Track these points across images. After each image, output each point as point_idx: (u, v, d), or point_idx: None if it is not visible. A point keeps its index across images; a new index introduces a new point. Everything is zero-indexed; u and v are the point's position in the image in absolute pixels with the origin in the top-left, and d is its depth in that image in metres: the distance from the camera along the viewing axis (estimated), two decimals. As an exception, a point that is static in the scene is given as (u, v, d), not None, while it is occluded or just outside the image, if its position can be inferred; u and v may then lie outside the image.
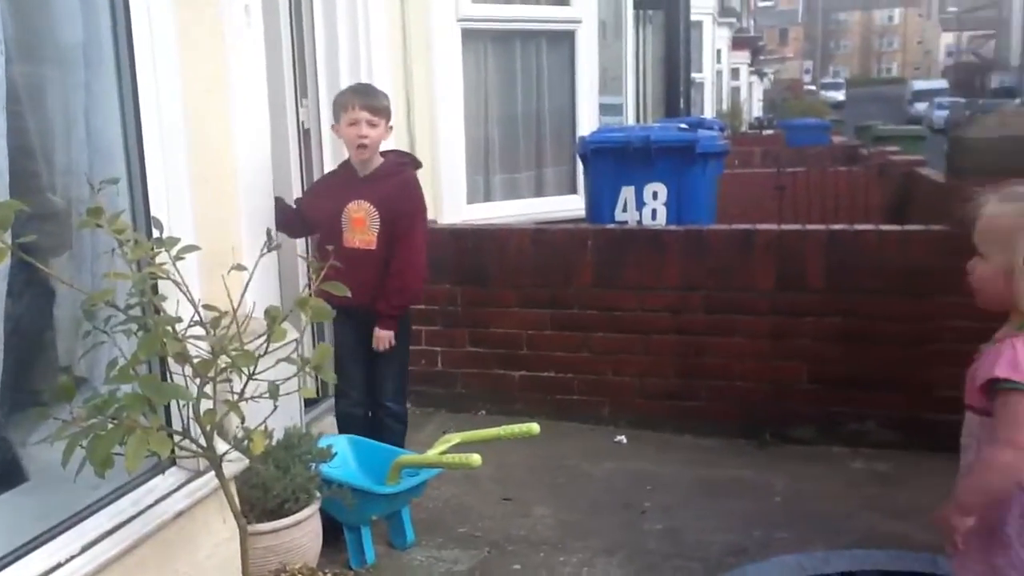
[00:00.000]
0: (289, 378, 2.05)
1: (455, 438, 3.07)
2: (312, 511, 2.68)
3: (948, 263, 3.73)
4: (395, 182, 3.31)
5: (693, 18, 11.80)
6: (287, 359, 2.09)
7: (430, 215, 3.91)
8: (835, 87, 58.84)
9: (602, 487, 3.66)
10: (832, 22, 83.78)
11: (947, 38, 74.08)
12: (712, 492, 3.58)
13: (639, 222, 4.49)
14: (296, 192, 3.85)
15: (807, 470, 3.76)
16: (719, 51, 20.88)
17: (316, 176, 4.02)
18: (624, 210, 4.52)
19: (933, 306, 3.78)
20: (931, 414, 3.82)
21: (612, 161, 4.57)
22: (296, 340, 2.66)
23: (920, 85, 50.55)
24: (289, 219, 3.38)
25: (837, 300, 3.93)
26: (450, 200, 5.00)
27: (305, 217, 3.42)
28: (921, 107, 40.90)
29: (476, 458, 2.69)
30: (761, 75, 36.64)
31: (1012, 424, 1.75)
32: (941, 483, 3.43)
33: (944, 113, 32.50)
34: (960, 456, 1.94)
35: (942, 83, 52.48)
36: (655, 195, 4.44)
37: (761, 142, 12.41)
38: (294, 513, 2.63)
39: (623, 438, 4.17)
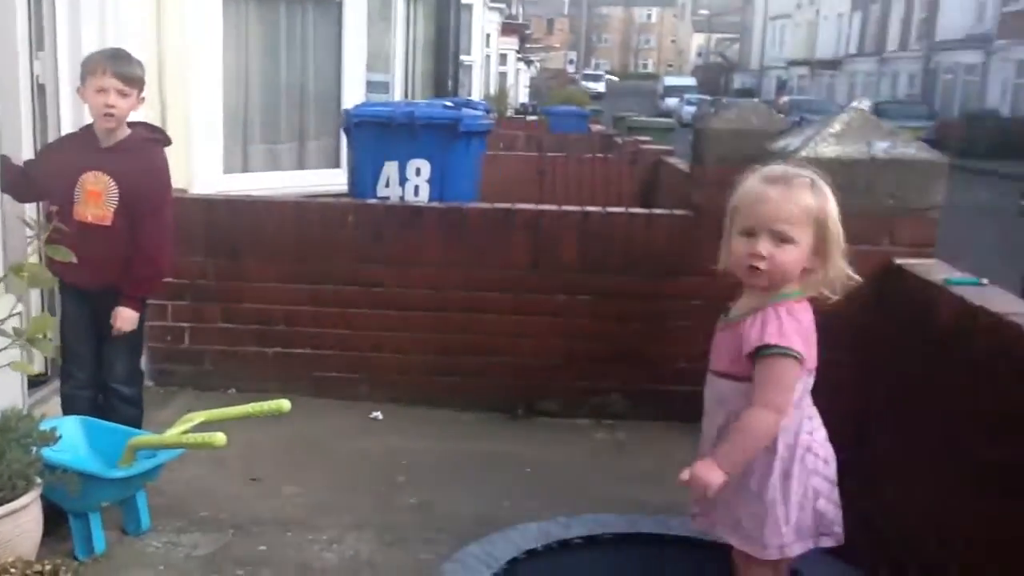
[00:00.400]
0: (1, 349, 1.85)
1: (198, 417, 2.91)
2: (30, 499, 2.44)
3: (687, 246, 4.03)
4: (140, 159, 3.08)
5: (464, 1, 11.88)
6: (-1, 331, 1.88)
7: (181, 184, 3.68)
8: (596, 79, 61.49)
9: (356, 464, 3.61)
10: (596, 16, 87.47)
11: (698, 39, 79.52)
12: (465, 466, 3.63)
13: (402, 198, 4.46)
14: (27, 152, 3.49)
15: (555, 442, 3.91)
16: (488, 36, 21.21)
17: (52, 137, 3.67)
18: (387, 185, 4.47)
19: (673, 285, 4.02)
20: (667, 386, 4.09)
21: (376, 135, 4.51)
22: (18, 313, 2.41)
23: (671, 81, 53.85)
24: (15, 180, 3.06)
25: (588, 279, 4.10)
26: (204, 169, 4.73)
27: (34, 181, 3.11)
28: (672, 102, 43.60)
29: (220, 437, 2.56)
30: (528, 62, 37.64)
31: (775, 387, 1.87)
32: (674, 450, 3.71)
33: (692, 109, 34.82)
34: (704, 421, 2.04)
35: (691, 80, 56.22)
36: (418, 171, 4.43)
37: (525, 127, 12.75)
38: (9, 502, 2.39)
39: (379, 414, 4.14)
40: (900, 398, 2.46)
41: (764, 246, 1.88)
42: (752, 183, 1.95)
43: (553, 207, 4.29)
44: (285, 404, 2.75)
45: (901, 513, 2.43)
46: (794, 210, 1.89)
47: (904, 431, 2.43)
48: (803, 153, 2.58)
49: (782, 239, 1.88)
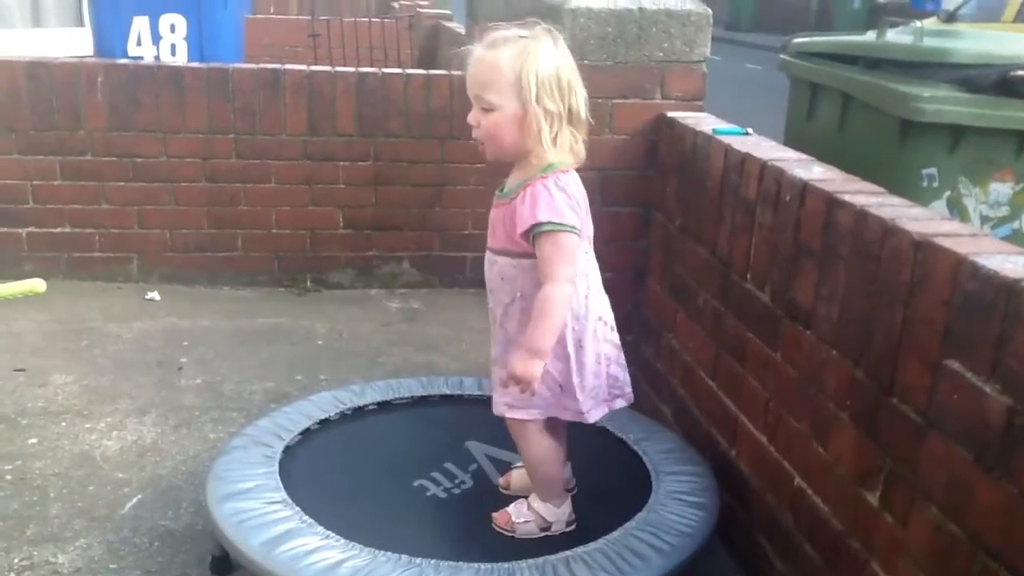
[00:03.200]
0: None
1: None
2: None
3: (463, 107, 3.97)
4: None
5: None
6: None
7: None
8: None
9: (132, 348, 3.41)
10: None
11: None
12: (252, 342, 3.52)
13: (157, 58, 4.09)
14: None
15: (347, 313, 3.86)
16: None
17: None
18: (139, 44, 4.08)
19: (455, 149, 3.99)
20: (457, 252, 4.12)
21: (121, -13, 4.08)
22: None
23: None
24: None
25: (368, 144, 3.99)
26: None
27: None
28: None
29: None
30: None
31: (561, 261, 1.81)
32: (467, 315, 3.79)
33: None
34: (489, 299, 1.99)
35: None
36: (173, 28, 4.07)
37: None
38: None
39: (156, 295, 3.92)
40: (673, 247, 2.59)
41: (473, 114, 1.84)
42: (474, 47, 1.85)
43: (326, 68, 4.08)
44: (40, 284, 2.50)
45: (677, 357, 2.59)
46: (491, 75, 1.79)
47: (674, 277, 2.58)
48: (573, 4, 2.57)
49: (483, 106, 1.82)
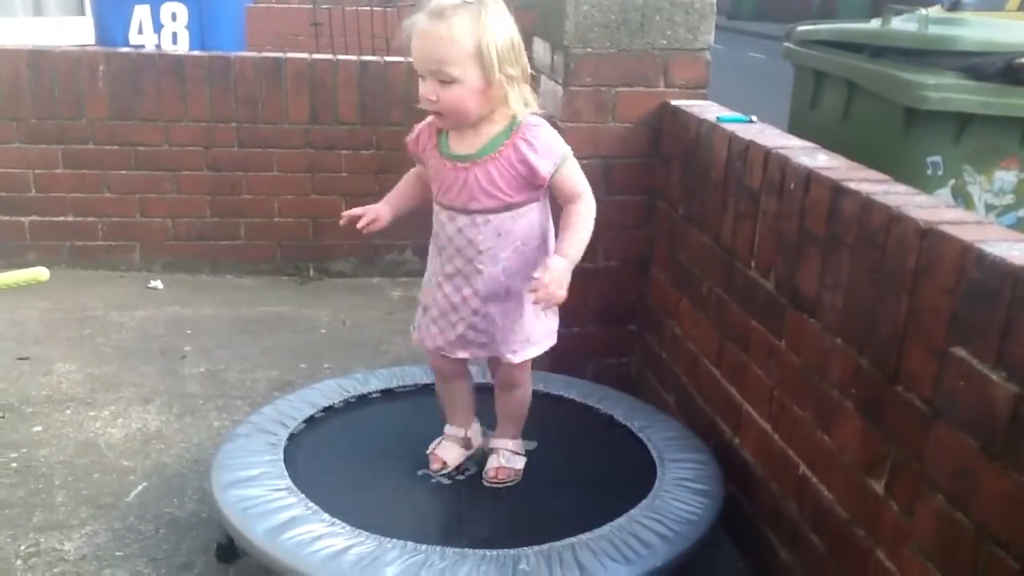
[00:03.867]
0: None
1: (-55, 295, 2.62)
2: None
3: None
4: None
5: None
6: None
7: None
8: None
9: (135, 336, 3.41)
10: None
11: None
12: (255, 331, 3.52)
13: (158, 46, 4.08)
14: None
15: (350, 301, 3.86)
16: None
17: None
18: (140, 33, 4.07)
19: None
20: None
21: (123, -24, 4.07)
22: None
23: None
24: None
25: (369, 133, 3.98)
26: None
27: None
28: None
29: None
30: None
31: (581, 179, 1.94)
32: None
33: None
34: (468, 263, 1.96)
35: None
36: (174, 16, 4.06)
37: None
38: None
39: (158, 283, 3.92)
40: (677, 235, 2.59)
41: (431, 88, 1.81)
42: (416, 18, 1.81)
43: (328, 56, 4.07)
44: (43, 273, 2.50)
45: (681, 346, 2.59)
46: (448, 48, 1.77)
47: (678, 265, 2.57)
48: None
49: (443, 80, 1.80)
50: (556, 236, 1.97)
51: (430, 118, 1.96)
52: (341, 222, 2.09)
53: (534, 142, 1.88)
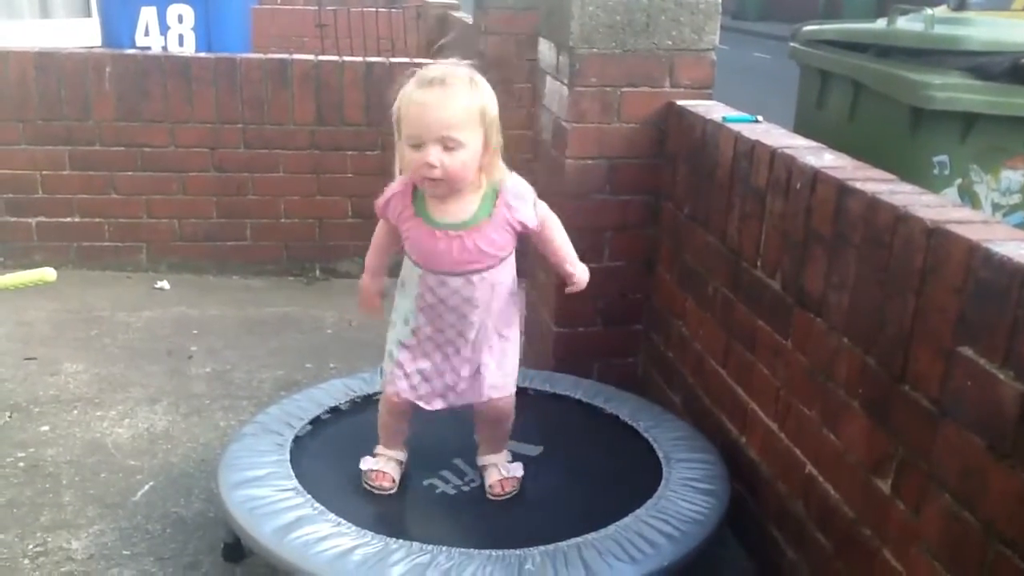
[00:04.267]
0: None
1: (-47, 296, 2.63)
2: None
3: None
4: None
5: None
6: None
7: None
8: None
9: (142, 336, 3.42)
10: None
11: None
12: (261, 331, 3.53)
13: (164, 48, 4.10)
14: None
15: (355, 302, 3.81)
16: None
17: None
18: (146, 34, 4.08)
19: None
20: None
21: (129, -22, 4.08)
22: None
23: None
24: None
25: (375, 134, 3.98)
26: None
27: None
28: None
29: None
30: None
31: (544, 205, 2.03)
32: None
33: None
34: (451, 323, 2.00)
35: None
36: (180, 18, 4.07)
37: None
38: None
39: (165, 284, 3.93)
40: (683, 235, 2.59)
41: (434, 155, 1.81)
42: (409, 90, 1.84)
43: (334, 58, 4.08)
44: (50, 273, 2.51)
45: (687, 346, 2.59)
46: (457, 113, 1.81)
47: (684, 266, 2.57)
48: (585, -7, 2.56)
49: (449, 146, 1.82)
50: (547, 254, 2.10)
51: (397, 185, 1.96)
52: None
53: (521, 196, 1.96)
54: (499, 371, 2.07)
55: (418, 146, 1.82)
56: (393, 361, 2.08)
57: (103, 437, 2.70)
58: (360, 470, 2.14)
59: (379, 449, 2.20)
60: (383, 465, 2.15)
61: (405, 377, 2.07)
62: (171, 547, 2.20)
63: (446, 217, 1.92)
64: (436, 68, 1.87)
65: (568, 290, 2.09)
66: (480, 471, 2.19)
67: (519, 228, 1.97)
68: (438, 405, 2.09)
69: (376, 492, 2.10)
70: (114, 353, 3.27)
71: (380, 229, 2.12)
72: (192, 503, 2.38)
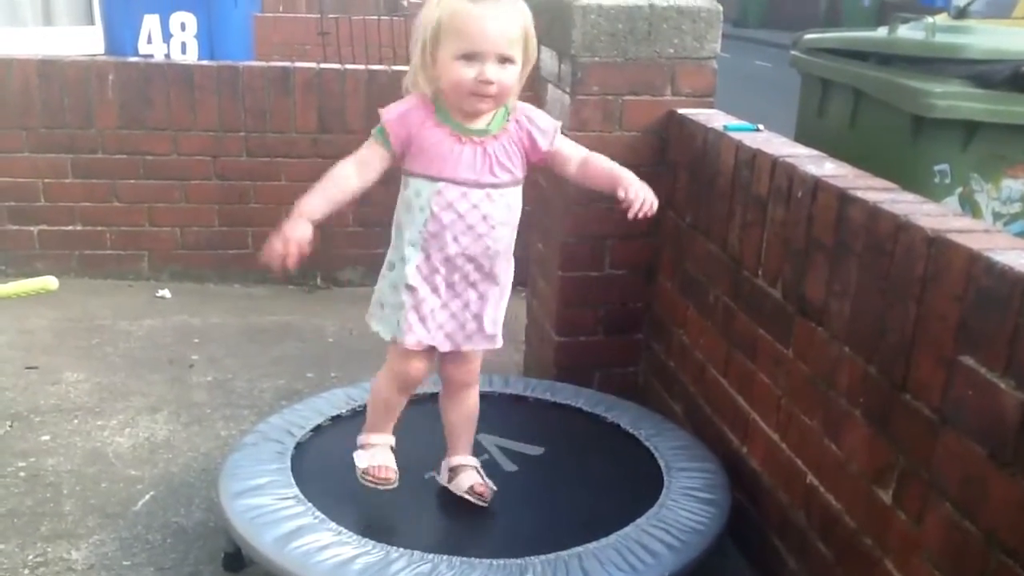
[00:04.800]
0: None
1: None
2: None
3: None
4: None
5: None
6: None
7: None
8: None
9: (143, 345, 3.42)
10: None
11: None
12: (263, 340, 3.53)
13: (167, 56, 4.11)
14: None
15: (357, 311, 3.83)
16: None
17: None
18: (149, 42, 4.10)
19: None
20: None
21: (132, -14, 4.09)
22: None
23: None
24: None
25: (378, 141, 3.98)
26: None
27: None
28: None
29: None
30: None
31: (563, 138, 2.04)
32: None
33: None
34: (475, 241, 1.94)
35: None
36: (183, 26, 4.08)
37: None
38: None
39: (166, 292, 3.93)
40: (684, 243, 2.59)
41: (492, 71, 1.82)
42: (457, 4, 1.82)
43: (336, 66, 4.09)
44: (52, 282, 2.52)
45: (688, 354, 2.59)
46: (514, 29, 1.84)
47: (685, 274, 2.57)
48: (584, 1, 2.56)
49: (505, 60, 1.83)
50: (594, 182, 2.06)
51: (411, 100, 1.93)
52: (268, 260, 1.98)
53: (535, 119, 1.98)
54: (495, 317, 2.02)
55: (472, 60, 1.81)
56: (405, 307, 1.97)
57: (104, 446, 2.69)
58: (357, 468, 2.07)
59: (369, 438, 2.12)
60: (381, 458, 2.09)
61: (421, 322, 1.96)
62: (172, 557, 2.20)
63: (466, 123, 1.91)
64: None
65: (631, 212, 1.96)
66: (449, 475, 2.15)
67: (528, 145, 1.96)
68: (447, 346, 2.01)
69: (381, 488, 2.05)
70: (115, 362, 3.27)
71: (365, 156, 2.01)
72: (193, 513, 2.38)
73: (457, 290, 1.97)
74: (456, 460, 2.16)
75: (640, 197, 1.95)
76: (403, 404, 2.13)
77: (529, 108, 2.01)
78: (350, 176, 2.02)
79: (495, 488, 2.11)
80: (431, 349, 2.01)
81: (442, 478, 2.17)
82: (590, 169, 2.04)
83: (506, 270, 2.02)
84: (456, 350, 2.03)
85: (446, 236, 1.92)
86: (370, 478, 2.06)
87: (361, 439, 2.13)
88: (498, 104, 1.91)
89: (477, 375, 2.13)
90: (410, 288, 1.96)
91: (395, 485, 2.07)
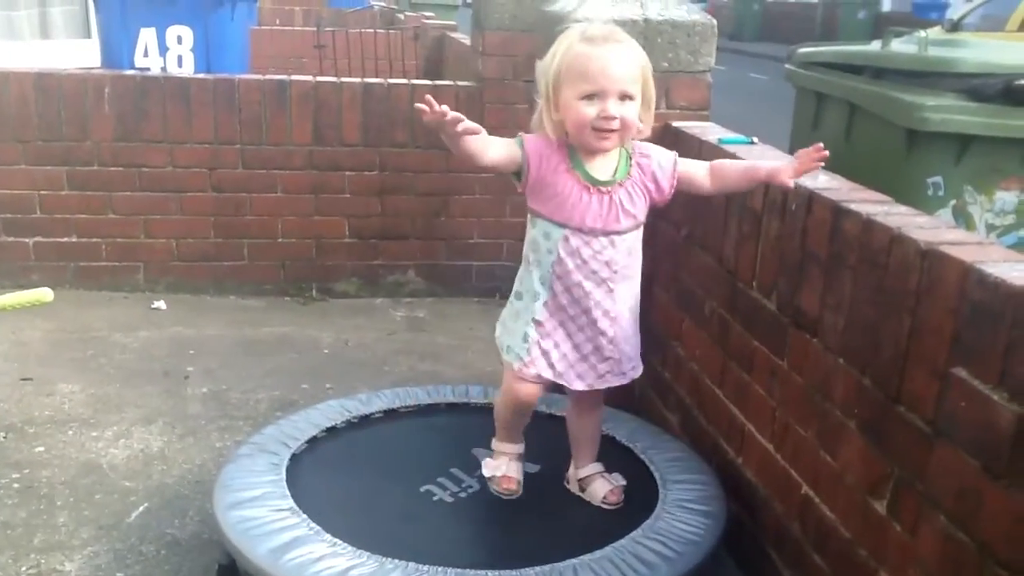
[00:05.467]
0: None
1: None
2: None
3: (473, 117, 3.98)
4: None
5: None
6: None
7: None
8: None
9: (138, 357, 3.42)
10: None
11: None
12: (258, 351, 3.52)
13: (164, 69, 4.12)
14: None
15: (352, 322, 3.86)
16: None
17: None
18: (146, 55, 4.11)
19: (456, 158, 3.97)
20: (463, 261, 4.14)
21: (129, -1, 4.10)
22: None
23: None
24: None
25: (373, 154, 4.00)
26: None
27: None
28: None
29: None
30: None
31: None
32: (473, 324, 3.79)
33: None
34: (560, 282, 2.02)
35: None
36: (180, 39, 4.09)
37: (303, 2, 12.06)
38: None
39: (162, 304, 3.93)
40: (680, 255, 2.59)
41: (614, 107, 1.91)
42: (578, 47, 1.92)
43: (332, 79, 4.10)
44: (47, 294, 2.52)
45: (683, 366, 2.59)
46: (633, 68, 1.93)
47: (681, 286, 2.58)
48: (580, 14, 2.58)
49: (625, 96, 1.92)
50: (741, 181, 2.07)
51: (551, 139, 1.98)
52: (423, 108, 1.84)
53: (654, 156, 2.06)
54: (632, 350, 2.12)
55: (593, 99, 1.90)
56: (530, 341, 2.06)
57: (98, 458, 2.69)
58: (487, 476, 2.19)
59: (498, 446, 2.23)
60: (506, 468, 2.20)
61: (543, 355, 2.06)
62: (165, 569, 2.19)
63: (596, 172, 1.99)
64: (597, 26, 1.99)
65: (784, 180, 1.95)
66: (580, 485, 2.23)
67: (653, 189, 2.03)
68: (578, 386, 2.10)
69: (504, 497, 2.16)
70: (110, 373, 3.26)
71: (502, 140, 2.00)
72: (187, 525, 2.37)
73: (585, 331, 2.06)
74: (584, 472, 2.24)
75: (801, 169, 1.94)
76: (525, 419, 2.22)
77: (646, 146, 2.07)
78: (492, 142, 1.99)
79: (625, 482, 2.20)
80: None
81: (572, 487, 2.26)
82: (726, 179, 2.08)
83: (632, 308, 2.10)
84: (592, 384, 2.11)
85: (571, 281, 2.02)
86: (496, 487, 2.18)
87: (493, 445, 2.24)
88: (622, 140, 1.99)
89: (601, 398, 2.23)
90: (537, 323, 2.05)
91: (518, 494, 2.18)
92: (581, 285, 2.01)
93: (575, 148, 1.99)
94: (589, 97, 1.91)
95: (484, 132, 1.95)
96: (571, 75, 1.91)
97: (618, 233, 2.01)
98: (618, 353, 2.08)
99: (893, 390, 1.59)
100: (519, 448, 2.24)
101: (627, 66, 1.92)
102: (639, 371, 2.16)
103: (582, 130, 1.93)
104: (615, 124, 1.92)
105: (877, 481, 1.64)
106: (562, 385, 2.11)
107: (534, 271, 2.05)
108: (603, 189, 1.98)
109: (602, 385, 2.11)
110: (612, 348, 2.07)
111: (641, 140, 2.06)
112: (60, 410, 2.97)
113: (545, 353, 2.06)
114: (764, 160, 2.08)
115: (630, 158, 2.03)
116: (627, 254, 2.04)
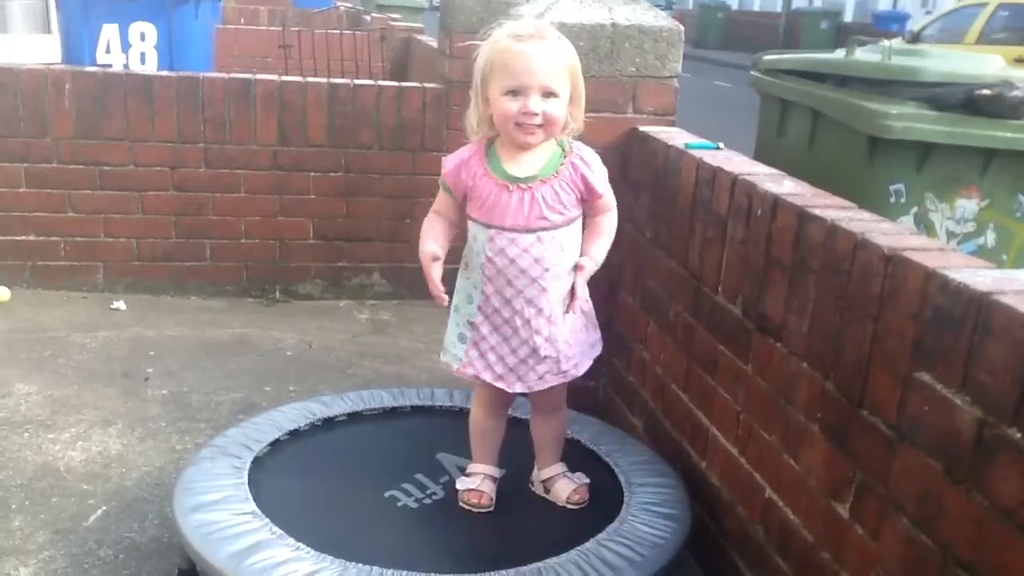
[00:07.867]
0: None
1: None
2: None
3: (439, 119, 3.99)
4: None
5: None
6: None
7: None
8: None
9: (97, 357, 3.36)
10: None
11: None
12: (220, 353, 3.48)
13: (126, 66, 4.06)
14: None
15: (316, 324, 3.83)
16: None
17: None
18: (108, 52, 4.04)
19: (427, 160, 3.98)
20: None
21: (90, -5, 4.04)
22: None
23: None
24: None
25: (338, 155, 3.97)
26: None
27: None
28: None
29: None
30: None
31: (612, 194, 2.10)
32: (438, 327, 3.73)
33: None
34: (493, 283, 2.02)
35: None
36: (143, 36, 4.03)
37: (268, 1, 11.95)
38: None
39: (121, 304, 3.87)
40: (645, 260, 2.60)
41: (536, 103, 1.92)
42: (505, 43, 1.93)
43: (297, 78, 4.07)
44: (4, 292, 2.47)
45: (648, 370, 2.60)
46: (557, 64, 1.93)
47: (646, 290, 2.59)
48: (546, 18, 2.58)
49: (549, 94, 1.93)
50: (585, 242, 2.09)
51: (469, 149, 2.05)
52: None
53: (590, 161, 2.04)
54: (574, 348, 2.10)
55: (517, 95, 1.92)
56: (467, 343, 2.08)
57: (55, 460, 2.64)
58: (458, 490, 2.18)
59: (471, 467, 2.22)
60: (478, 484, 2.17)
61: (481, 356, 2.07)
62: (124, 573, 2.15)
63: (516, 170, 2.00)
64: (525, 23, 2.00)
65: (574, 309, 2.06)
66: (544, 486, 2.22)
67: (582, 188, 2.02)
68: (518, 388, 2.09)
69: (475, 511, 2.13)
70: (68, 374, 3.20)
71: (440, 206, 2.12)
72: (146, 528, 2.33)
73: (519, 332, 2.04)
74: (547, 472, 2.24)
75: (582, 302, 2.05)
76: (498, 430, 2.23)
77: (585, 150, 2.06)
78: (436, 224, 2.13)
79: (588, 480, 2.21)
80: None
81: (537, 489, 2.25)
82: (590, 229, 2.10)
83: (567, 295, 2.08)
84: (532, 386, 2.09)
85: (502, 281, 2.01)
86: (464, 501, 2.16)
87: (468, 466, 2.23)
88: (547, 136, 1.99)
89: (561, 401, 2.23)
90: (472, 325, 2.07)
91: (489, 509, 2.15)
92: (512, 284, 2.01)
93: (494, 147, 2.02)
94: (513, 92, 1.92)
95: (438, 248, 2.07)
96: (496, 70, 1.93)
97: (544, 229, 2.00)
98: (555, 352, 2.06)
99: (856, 394, 1.61)
100: (494, 471, 2.22)
101: (551, 63, 1.93)
102: (582, 369, 2.13)
103: (506, 124, 1.96)
104: (537, 120, 1.93)
105: (840, 484, 1.66)
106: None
107: (469, 274, 2.07)
108: (523, 186, 1.99)
109: (542, 386, 2.09)
110: (549, 347, 2.05)
111: (577, 138, 2.07)
112: (16, 411, 2.90)
113: (482, 355, 2.07)
114: (586, 259, 2.05)
115: (564, 155, 2.03)
116: (559, 251, 2.02)
